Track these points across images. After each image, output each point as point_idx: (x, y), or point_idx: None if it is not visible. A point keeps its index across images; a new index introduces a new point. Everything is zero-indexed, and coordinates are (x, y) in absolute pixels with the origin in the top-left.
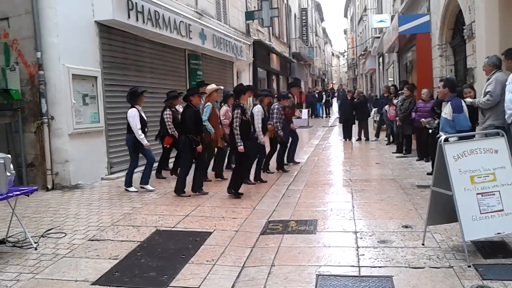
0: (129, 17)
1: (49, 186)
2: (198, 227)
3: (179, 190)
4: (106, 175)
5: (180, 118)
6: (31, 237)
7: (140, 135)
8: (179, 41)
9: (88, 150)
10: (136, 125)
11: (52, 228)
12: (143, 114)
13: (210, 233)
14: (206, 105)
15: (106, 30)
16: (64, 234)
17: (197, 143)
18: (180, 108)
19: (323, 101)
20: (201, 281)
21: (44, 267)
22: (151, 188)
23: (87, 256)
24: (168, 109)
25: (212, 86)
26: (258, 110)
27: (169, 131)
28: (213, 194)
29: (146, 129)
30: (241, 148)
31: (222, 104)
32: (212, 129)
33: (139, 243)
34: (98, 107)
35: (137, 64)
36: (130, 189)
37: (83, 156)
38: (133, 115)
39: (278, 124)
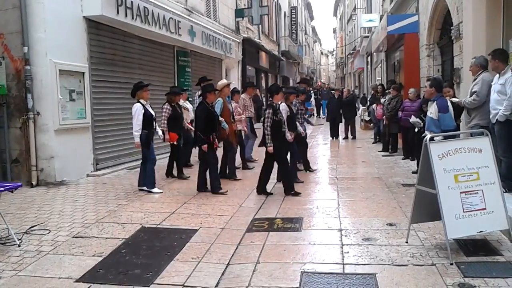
0: (118, 13)
1: (34, 183)
2: (184, 225)
3: (201, 188)
4: (92, 171)
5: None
6: (14, 233)
7: (136, 132)
8: (168, 37)
9: (74, 146)
10: (135, 120)
11: (36, 225)
12: (149, 109)
13: (196, 230)
14: (217, 100)
15: (94, 26)
16: (48, 231)
17: (203, 141)
18: (186, 104)
19: (311, 100)
20: (186, 278)
21: (27, 264)
22: (158, 190)
23: (71, 253)
24: (167, 103)
25: (223, 81)
26: (283, 108)
27: (161, 125)
28: (199, 192)
29: (154, 124)
30: (270, 149)
31: (230, 100)
32: (226, 125)
33: (124, 240)
34: (85, 103)
35: (125, 60)
36: (153, 190)
37: (69, 152)
38: (135, 110)
39: (300, 119)
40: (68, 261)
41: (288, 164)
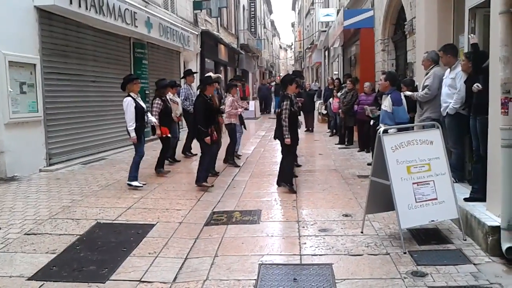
0: (71, 3)
1: None
2: (140, 220)
3: (201, 179)
4: (44, 166)
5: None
6: None
7: (130, 127)
8: (124, 29)
9: (26, 140)
10: (129, 115)
11: None
12: (140, 102)
13: (153, 225)
14: None
15: (46, 16)
16: None
17: (205, 134)
18: (175, 98)
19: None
20: (142, 273)
21: None
22: (138, 184)
23: (23, 251)
24: (158, 98)
25: (211, 74)
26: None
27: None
28: (157, 186)
29: (146, 117)
30: (288, 140)
31: (226, 94)
32: None
33: (78, 236)
34: (37, 96)
35: (79, 52)
36: (133, 183)
37: (20, 147)
38: (126, 104)
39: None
40: (20, 259)
41: (294, 157)
